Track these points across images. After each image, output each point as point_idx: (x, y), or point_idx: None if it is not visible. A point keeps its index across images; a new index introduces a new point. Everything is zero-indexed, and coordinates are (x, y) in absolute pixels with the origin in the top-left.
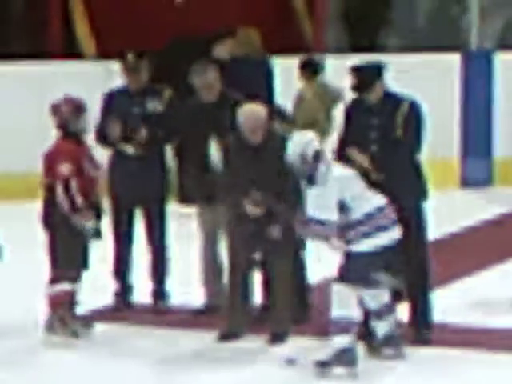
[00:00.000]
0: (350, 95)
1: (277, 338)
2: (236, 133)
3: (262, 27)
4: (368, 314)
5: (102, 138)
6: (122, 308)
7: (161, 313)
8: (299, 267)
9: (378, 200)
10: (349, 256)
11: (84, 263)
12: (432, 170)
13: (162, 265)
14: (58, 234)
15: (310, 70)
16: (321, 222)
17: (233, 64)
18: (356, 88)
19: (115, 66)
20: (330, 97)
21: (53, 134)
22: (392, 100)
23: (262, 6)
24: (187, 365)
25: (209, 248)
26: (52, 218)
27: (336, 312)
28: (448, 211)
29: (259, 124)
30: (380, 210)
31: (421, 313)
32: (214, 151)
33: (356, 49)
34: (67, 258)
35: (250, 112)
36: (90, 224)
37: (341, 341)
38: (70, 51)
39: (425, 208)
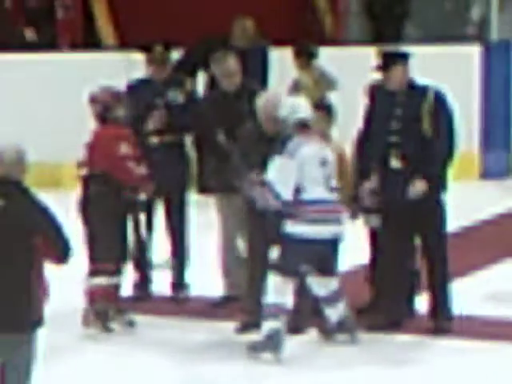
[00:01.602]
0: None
1: (247, 327)
2: (253, 122)
3: (283, 18)
4: (318, 302)
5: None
6: (141, 298)
7: (180, 303)
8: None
9: (331, 193)
10: (284, 243)
11: (124, 256)
12: (452, 163)
13: (182, 255)
14: (97, 225)
15: (305, 57)
16: (273, 192)
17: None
18: (378, 68)
19: (136, 56)
20: (325, 83)
21: (73, 126)
22: (416, 91)
23: None
24: (204, 355)
25: (228, 238)
26: (92, 208)
27: (270, 298)
28: (467, 203)
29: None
30: (331, 202)
31: (441, 304)
32: (224, 140)
33: (377, 40)
34: (106, 250)
35: (268, 100)
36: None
37: (270, 326)
38: (90, 41)
39: (444, 200)
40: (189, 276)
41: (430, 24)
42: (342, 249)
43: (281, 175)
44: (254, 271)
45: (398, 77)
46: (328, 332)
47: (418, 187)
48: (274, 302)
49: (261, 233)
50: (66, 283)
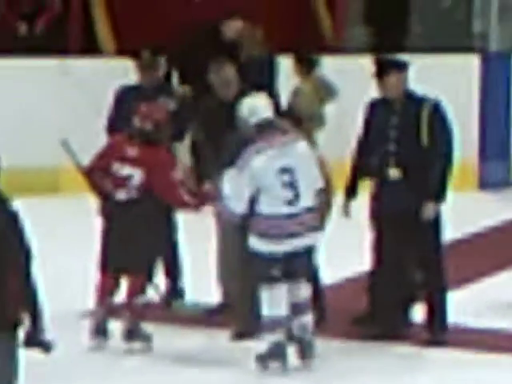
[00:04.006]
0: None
1: (241, 335)
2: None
3: (283, 27)
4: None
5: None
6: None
7: (174, 310)
8: (313, 269)
9: (296, 201)
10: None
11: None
12: (451, 173)
13: (176, 262)
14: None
15: (306, 65)
16: (227, 207)
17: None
18: (373, 76)
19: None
20: (325, 92)
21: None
22: (414, 100)
23: (283, 6)
24: (198, 362)
25: (225, 246)
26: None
27: (265, 311)
28: (465, 213)
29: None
30: (290, 216)
31: (437, 314)
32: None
33: (376, 49)
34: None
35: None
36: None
37: (272, 338)
38: (90, 47)
39: (441, 209)
40: (184, 283)
41: (430, 34)
42: (319, 257)
43: (233, 189)
44: (244, 279)
45: (393, 84)
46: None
47: (430, 210)
48: (268, 315)
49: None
50: (68, 287)
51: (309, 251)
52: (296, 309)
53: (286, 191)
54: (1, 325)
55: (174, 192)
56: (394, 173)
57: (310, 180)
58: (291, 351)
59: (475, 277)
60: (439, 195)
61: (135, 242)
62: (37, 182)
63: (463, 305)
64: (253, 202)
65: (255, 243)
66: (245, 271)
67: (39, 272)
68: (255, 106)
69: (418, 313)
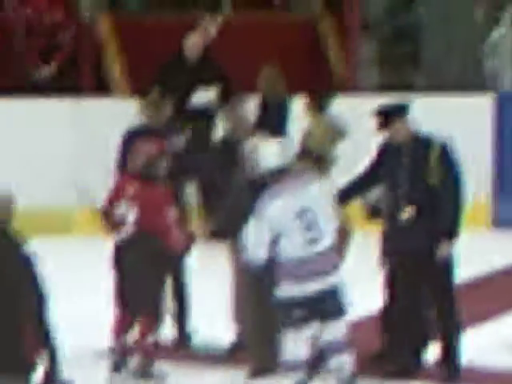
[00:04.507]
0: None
1: (258, 372)
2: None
3: (294, 67)
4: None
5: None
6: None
7: (194, 350)
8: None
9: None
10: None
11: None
12: (463, 211)
13: (183, 305)
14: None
15: (317, 105)
16: (247, 258)
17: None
18: (377, 128)
19: None
20: (336, 132)
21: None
22: (422, 141)
23: (294, 46)
24: None
25: (240, 284)
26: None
27: (285, 354)
28: (479, 252)
29: None
30: (314, 256)
31: (451, 354)
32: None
33: (388, 88)
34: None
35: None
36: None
37: (297, 379)
38: (103, 88)
39: (453, 250)
40: (192, 324)
41: (442, 75)
42: (347, 295)
43: (253, 237)
44: (257, 316)
45: (398, 133)
46: None
47: (445, 250)
48: (290, 357)
49: (264, 279)
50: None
51: (337, 289)
52: (329, 348)
53: (306, 233)
54: (16, 368)
55: (167, 231)
56: (404, 214)
57: (328, 218)
58: None
59: (489, 316)
60: (452, 234)
61: (138, 283)
62: (50, 223)
63: (477, 344)
64: (273, 248)
65: (280, 288)
66: (260, 308)
67: (53, 313)
68: (267, 154)
69: (433, 352)
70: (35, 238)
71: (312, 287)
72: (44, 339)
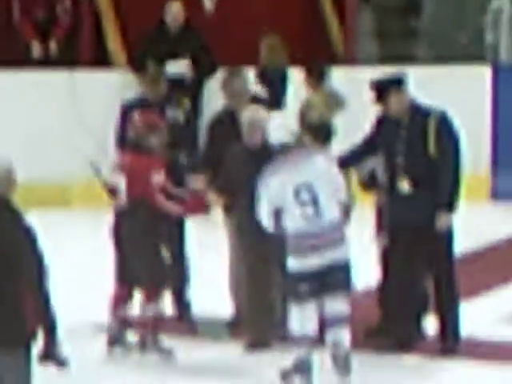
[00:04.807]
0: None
1: (255, 346)
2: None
3: (292, 38)
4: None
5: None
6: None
7: (189, 323)
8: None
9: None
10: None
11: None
12: (462, 183)
13: (183, 275)
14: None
15: (316, 77)
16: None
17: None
18: (373, 101)
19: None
20: (335, 103)
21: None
22: (420, 113)
23: (292, 17)
24: (213, 375)
25: (237, 258)
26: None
27: (294, 327)
28: (477, 225)
29: (259, 127)
30: (313, 232)
31: (449, 325)
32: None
33: (387, 60)
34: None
35: (250, 114)
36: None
37: (296, 355)
38: (101, 61)
39: (452, 220)
40: (191, 296)
41: (442, 46)
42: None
43: (259, 209)
44: (253, 289)
45: (395, 105)
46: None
47: (444, 221)
48: (296, 332)
49: (258, 251)
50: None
51: (343, 264)
52: (330, 322)
53: (305, 208)
54: (17, 340)
55: (152, 197)
56: (403, 185)
57: (331, 193)
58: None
59: (487, 288)
60: (451, 205)
61: (133, 252)
62: (49, 196)
63: (475, 316)
64: (277, 217)
65: (288, 262)
66: (256, 280)
67: (52, 285)
68: (273, 126)
69: (431, 325)
70: (34, 211)
71: (314, 261)
72: (44, 310)
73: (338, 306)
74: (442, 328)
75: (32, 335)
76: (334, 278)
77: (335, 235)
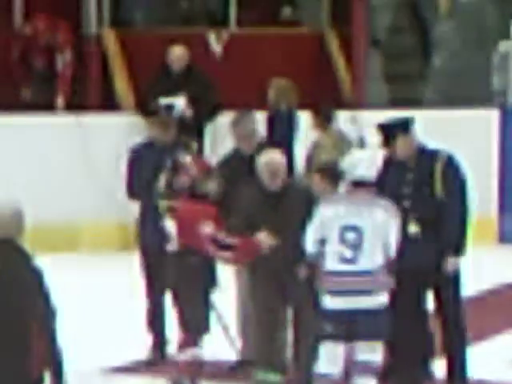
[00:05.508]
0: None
1: None
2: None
3: (301, 82)
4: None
5: (132, 192)
6: (157, 361)
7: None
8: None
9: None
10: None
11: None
12: (469, 225)
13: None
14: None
15: (324, 118)
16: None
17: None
18: (381, 144)
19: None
20: (344, 145)
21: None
22: (427, 155)
23: (302, 62)
24: None
25: (246, 301)
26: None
27: (319, 368)
28: (485, 267)
29: (279, 170)
30: (344, 274)
31: (457, 368)
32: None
33: (395, 104)
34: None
35: (270, 158)
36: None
37: None
38: (108, 104)
39: (460, 263)
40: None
41: (449, 89)
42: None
43: (307, 232)
44: (266, 329)
45: (402, 148)
46: None
47: (451, 264)
48: (323, 373)
49: (272, 290)
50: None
51: (372, 311)
52: (357, 369)
53: (345, 249)
54: (22, 383)
55: (201, 245)
56: (410, 228)
57: (379, 245)
58: None
59: (496, 332)
60: (459, 249)
61: (185, 299)
62: (57, 239)
63: (483, 360)
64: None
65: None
66: (265, 320)
67: (61, 329)
68: (357, 161)
69: (439, 367)
70: (43, 254)
71: (342, 304)
72: (51, 353)
73: (367, 353)
74: (450, 371)
75: (39, 379)
76: (363, 324)
77: (368, 285)
